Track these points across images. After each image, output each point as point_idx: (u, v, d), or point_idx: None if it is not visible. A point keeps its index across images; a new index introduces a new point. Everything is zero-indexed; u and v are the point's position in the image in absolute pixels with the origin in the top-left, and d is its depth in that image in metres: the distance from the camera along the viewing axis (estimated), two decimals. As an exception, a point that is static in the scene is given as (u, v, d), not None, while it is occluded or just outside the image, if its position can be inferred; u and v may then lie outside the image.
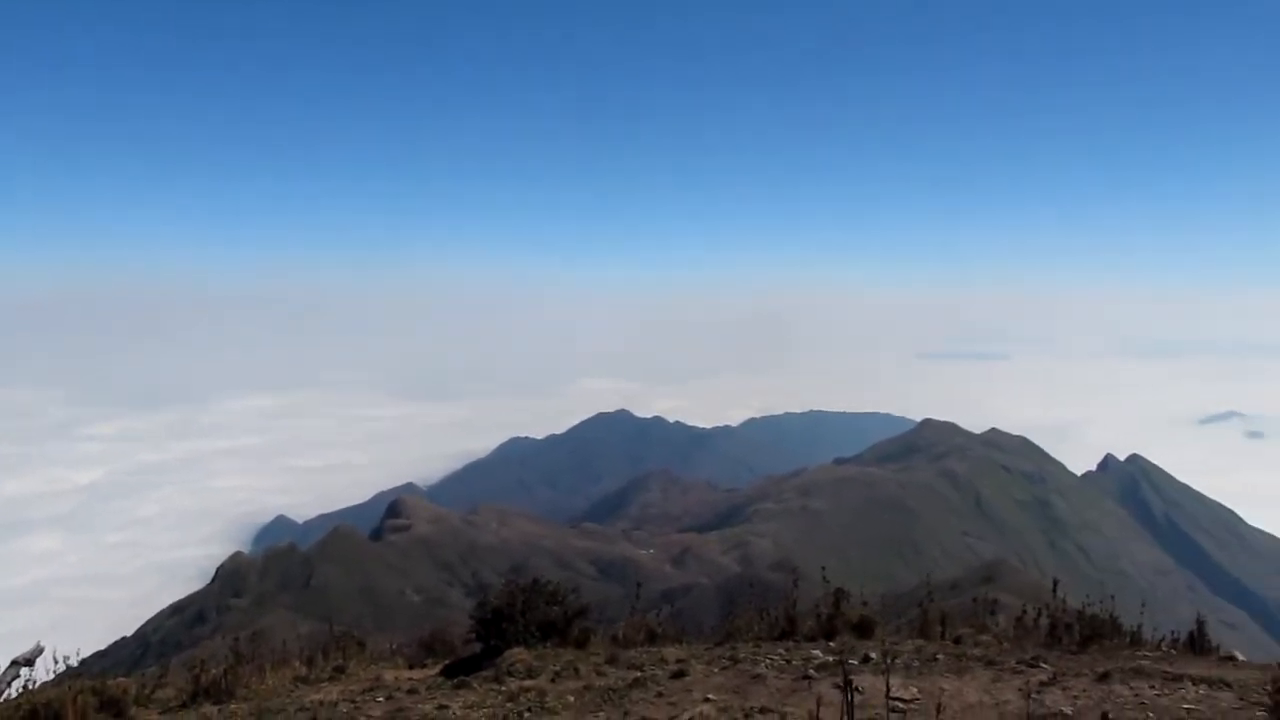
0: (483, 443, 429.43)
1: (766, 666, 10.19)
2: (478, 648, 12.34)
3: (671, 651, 11.35)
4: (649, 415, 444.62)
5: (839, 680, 8.07)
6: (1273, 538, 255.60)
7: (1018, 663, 10.09)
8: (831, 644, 11.28)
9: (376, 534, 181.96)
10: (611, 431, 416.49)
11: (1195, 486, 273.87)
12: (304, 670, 12.17)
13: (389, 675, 11.75)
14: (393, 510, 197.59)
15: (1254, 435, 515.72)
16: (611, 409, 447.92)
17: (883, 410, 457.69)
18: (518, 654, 11.15)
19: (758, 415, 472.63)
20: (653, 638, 12.46)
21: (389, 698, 10.24)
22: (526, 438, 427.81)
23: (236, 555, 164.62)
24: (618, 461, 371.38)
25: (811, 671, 9.80)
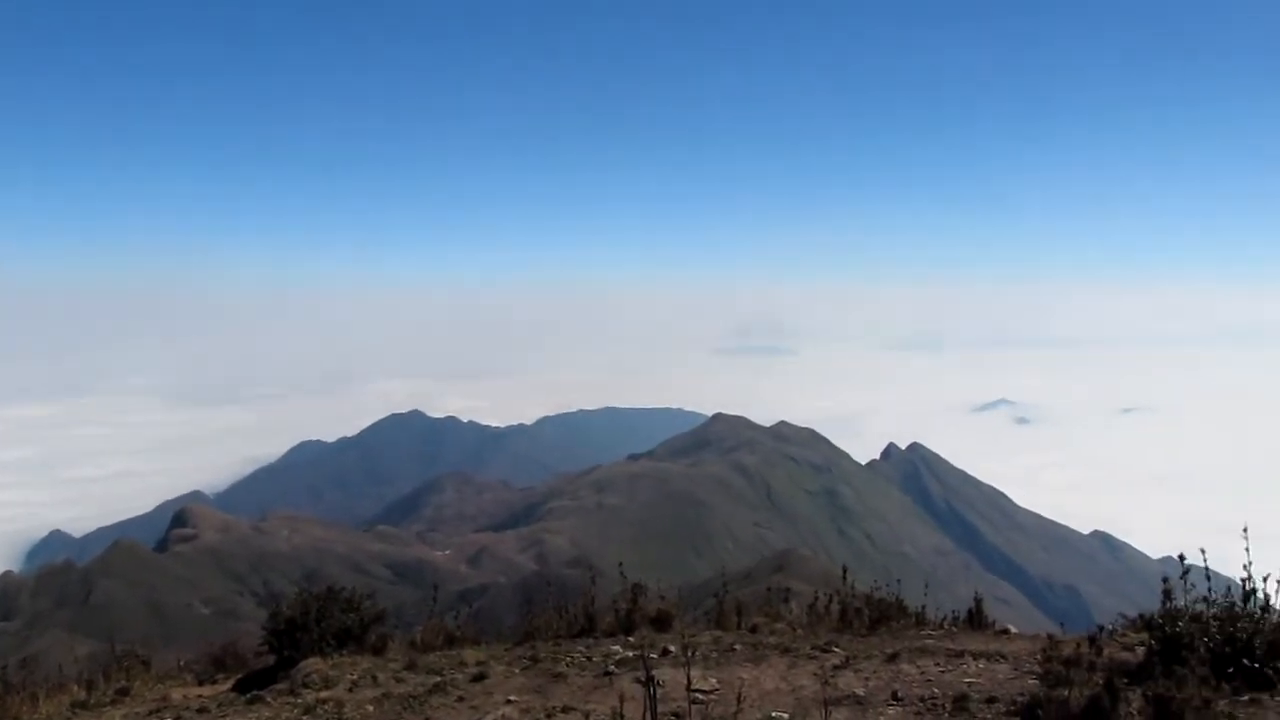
0: (272, 447, 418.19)
1: (567, 665, 10.18)
2: (271, 660, 11.91)
3: (471, 654, 11.21)
4: (442, 415, 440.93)
5: (640, 675, 8.13)
6: (1040, 517, 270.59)
7: (812, 648, 10.34)
8: (631, 639, 11.32)
9: (161, 545, 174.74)
10: (404, 432, 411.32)
11: (970, 471, 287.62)
12: (83, 695, 11.49)
13: (177, 694, 11.25)
14: (178, 520, 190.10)
15: (1022, 421, 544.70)
16: (404, 410, 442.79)
17: (676, 406, 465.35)
18: (313, 664, 10.83)
19: (552, 413, 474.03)
20: (451, 641, 12.27)
21: (177, 718, 9.83)
22: (317, 441, 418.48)
23: (6, 575, 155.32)
24: (411, 463, 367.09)
25: (612, 667, 9.83)
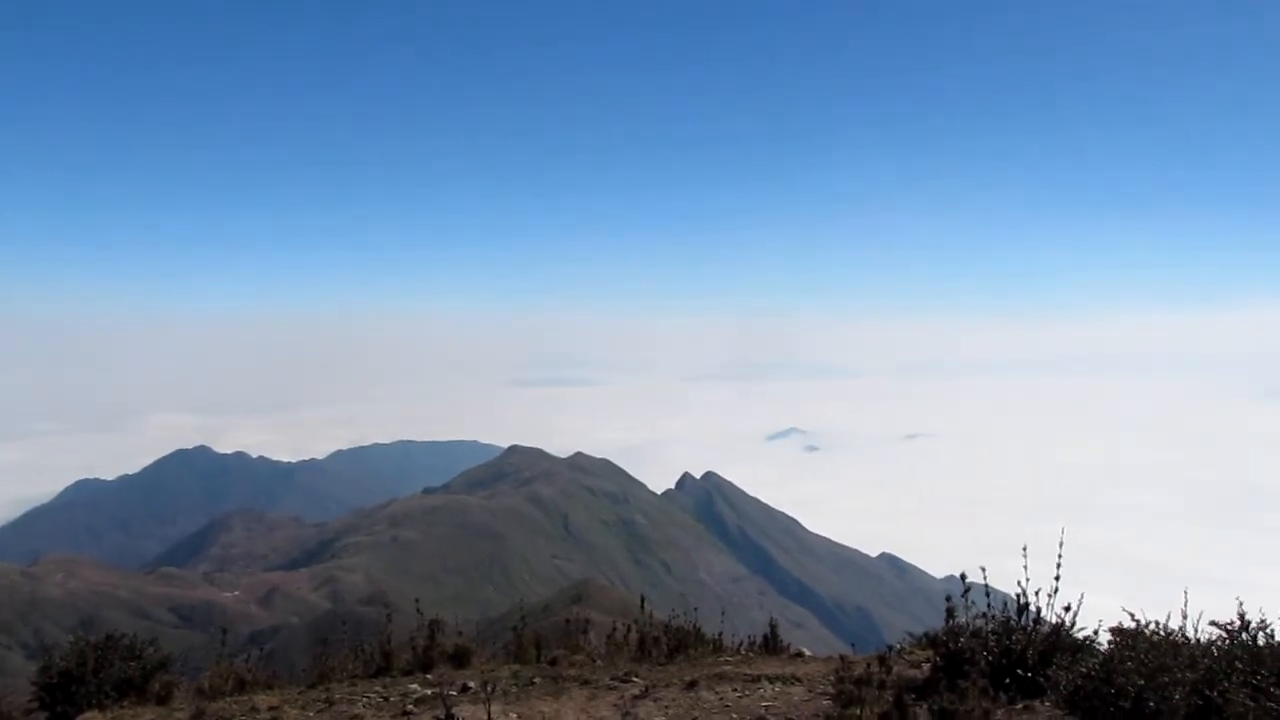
0: (46, 486, 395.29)
1: (364, 705, 9.92)
2: (44, 717, 11.25)
3: (263, 698, 10.80)
4: (230, 451, 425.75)
5: (439, 713, 8.01)
6: (830, 541, 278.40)
7: (611, 679, 10.36)
8: (429, 676, 11.12)
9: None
10: (190, 469, 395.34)
11: (763, 499, 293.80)
12: None
13: (-64, 757, 10.53)
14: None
15: (811, 449, 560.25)
16: (190, 445, 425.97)
17: (471, 438, 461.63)
18: (91, 718, 10.29)
19: (345, 447, 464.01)
20: (242, 685, 11.79)
21: (-65, 785, 9.19)
22: (96, 479, 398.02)
23: None
24: (198, 501, 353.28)
25: (410, 706, 9.63)
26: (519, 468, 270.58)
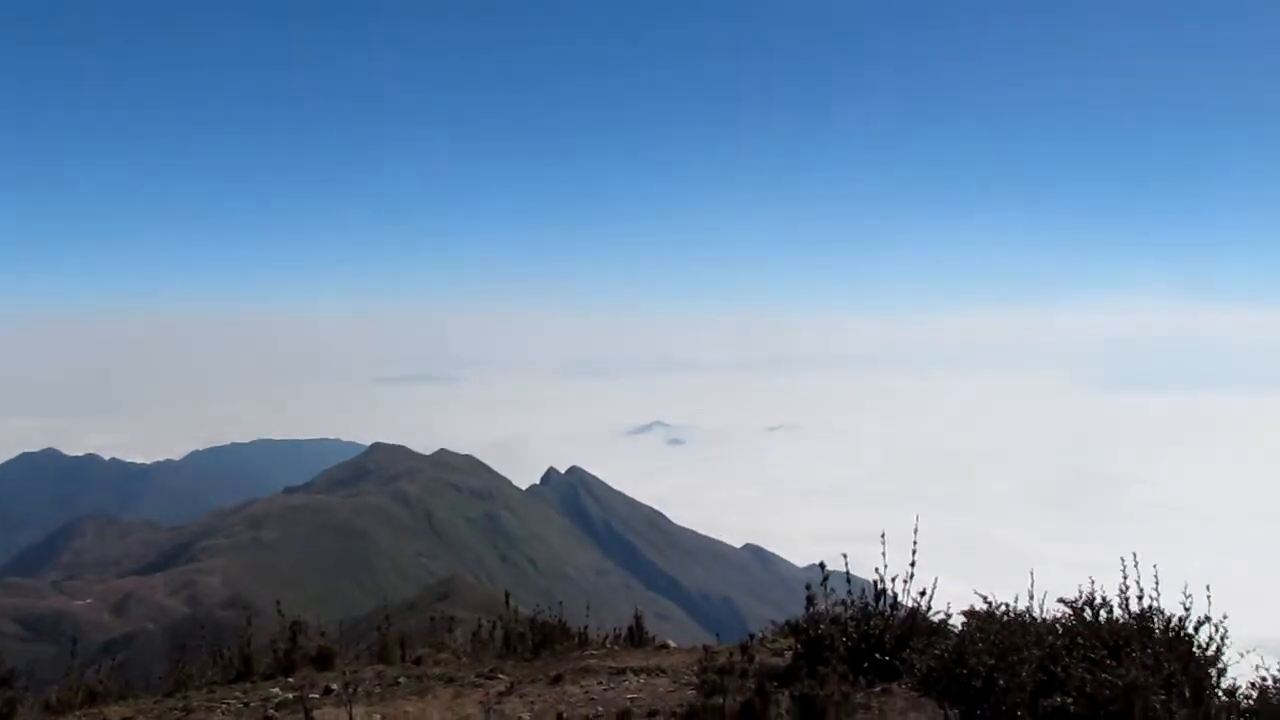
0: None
1: (223, 712, 9.69)
2: None
3: (116, 710, 10.45)
4: (81, 453, 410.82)
5: (299, 717, 7.88)
6: (695, 534, 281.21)
7: (477, 676, 10.32)
8: (291, 680, 10.90)
9: None
10: (37, 473, 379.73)
11: (627, 492, 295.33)
12: None
13: None
14: None
15: (675, 442, 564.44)
16: (36, 448, 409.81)
17: (333, 436, 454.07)
18: (-73, 738, 9.85)
19: (202, 447, 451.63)
20: (93, 697, 11.37)
21: None
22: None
23: None
24: (45, 506, 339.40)
25: (271, 712, 9.45)
26: (382, 466, 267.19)
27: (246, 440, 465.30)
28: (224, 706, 9.86)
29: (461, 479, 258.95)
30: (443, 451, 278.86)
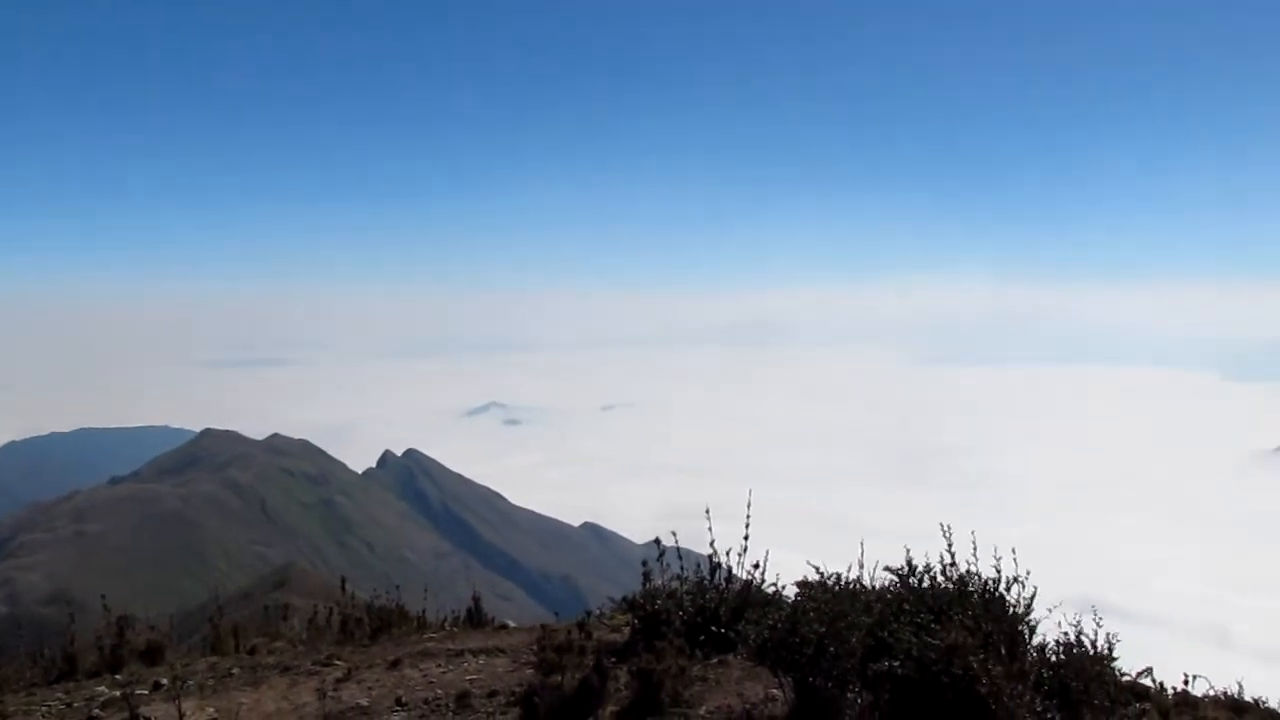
0: None
1: (43, 715, 9.25)
2: None
3: (-81, 721, 9.97)
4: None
5: (126, 715, 7.66)
6: (534, 514, 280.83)
7: (313, 664, 10.17)
8: (118, 676, 10.50)
9: None
10: None
11: (465, 474, 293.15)
12: None
13: None
14: None
15: (512, 422, 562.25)
16: None
17: (160, 423, 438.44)
18: None
19: (19, 437, 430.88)
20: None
21: None
22: None
23: None
24: None
25: (97, 711, 9.08)
26: (213, 452, 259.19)
27: (67, 430, 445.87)
28: (44, 709, 9.36)
29: (295, 464, 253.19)
30: (276, 436, 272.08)
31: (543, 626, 10.10)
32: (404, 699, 8.52)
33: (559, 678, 7.61)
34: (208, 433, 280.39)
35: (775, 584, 9.23)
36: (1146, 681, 9.98)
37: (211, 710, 8.69)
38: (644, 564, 9.60)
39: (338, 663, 10.15)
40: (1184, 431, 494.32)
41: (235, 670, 10.20)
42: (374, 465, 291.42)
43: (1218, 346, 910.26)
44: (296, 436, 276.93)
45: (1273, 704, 10.64)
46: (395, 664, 9.77)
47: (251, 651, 11.42)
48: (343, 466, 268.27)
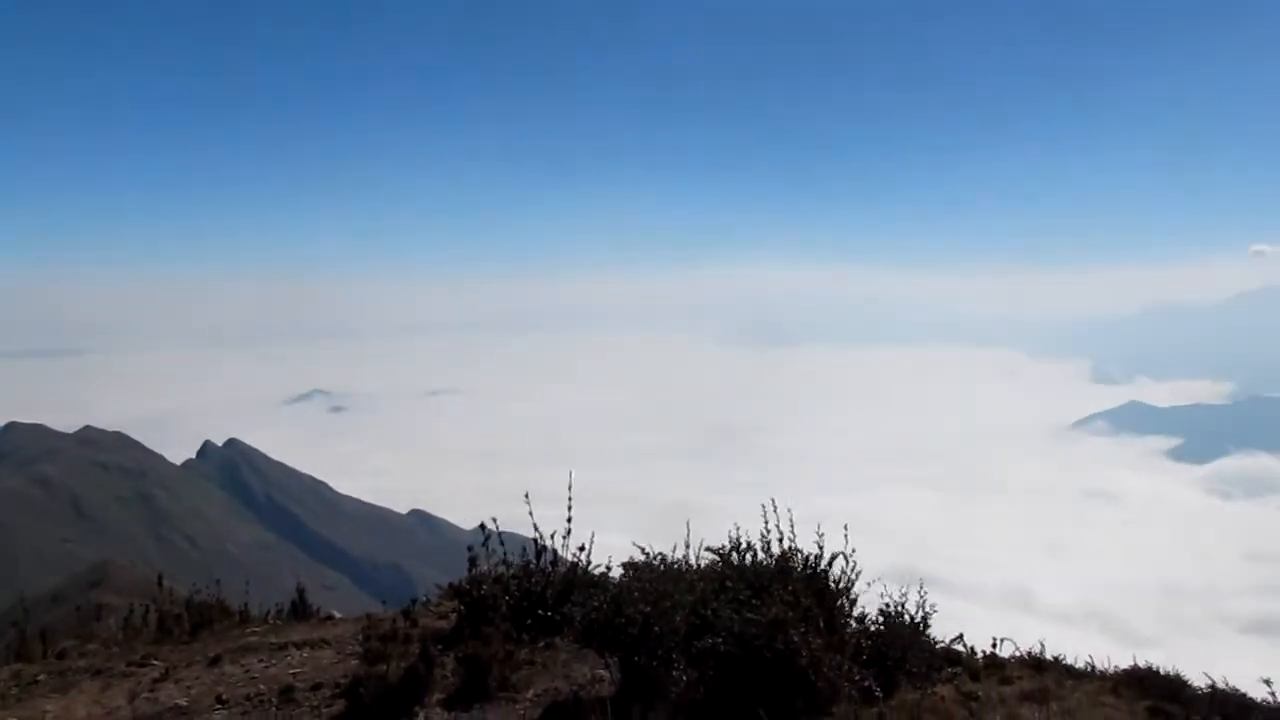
0: None
1: None
2: None
3: None
4: None
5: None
6: (360, 502, 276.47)
7: (128, 665, 9.81)
8: (-86, 688, 9.99)
9: None
10: None
11: (289, 463, 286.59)
12: None
13: None
14: None
15: (337, 410, 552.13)
16: None
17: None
18: None
19: None
20: None
21: None
22: None
23: None
24: None
25: (-116, 729, 8.64)
26: (19, 447, 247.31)
27: None
28: None
29: (110, 457, 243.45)
30: (88, 429, 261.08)
31: (368, 616, 9.99)
32: (225, 696, 8.32)
33: (384, 667, 7.55)
34: (12, 426, 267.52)
35: (602, 566, 9.31)
36: (959, 647, 10.39)
37: (16, 720, 8.33)
38: (470, 549, 9.58)
39: (155, 663, 9.81)
40: (992, 407, 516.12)
41: (42, 677, 9.74)
42: (194, 456, 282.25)
43: (1024, 327, 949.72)
44: (111, 429, 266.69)
45: (1069, 660, 11.22)
46: (215, 661, 9.51)
47: (61, 656, 10.92)
48: (161, 459, 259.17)
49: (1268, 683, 9.38)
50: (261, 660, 9.44)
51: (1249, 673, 10.17)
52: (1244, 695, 9.86)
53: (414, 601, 10.70)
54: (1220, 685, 10.13)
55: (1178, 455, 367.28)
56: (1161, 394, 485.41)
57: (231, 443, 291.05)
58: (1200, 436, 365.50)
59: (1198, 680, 10.37)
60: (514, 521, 9.48)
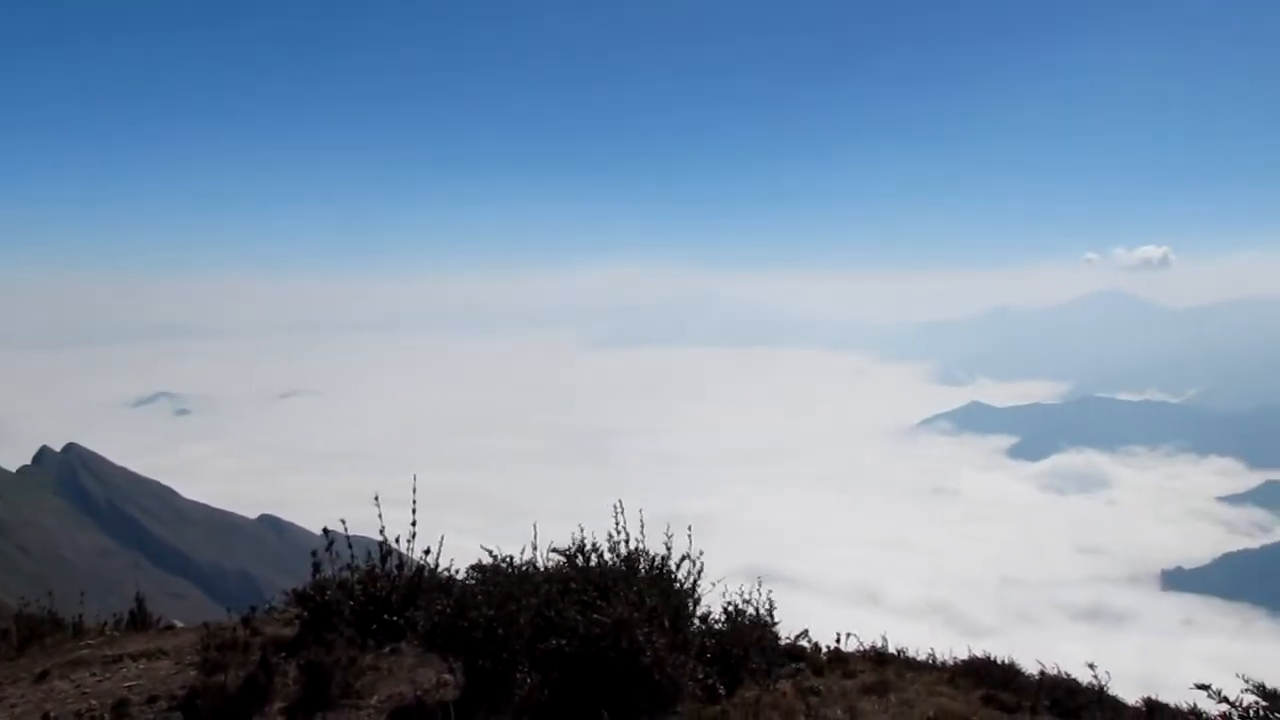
0: None
1: None
2: None
3: None
4: None
5: None
6: (208, 507, 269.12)
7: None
8: None
9: None
10: None
11: (133, 468, 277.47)
12: None
13: None
14: None
15: (183, 413, 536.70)
16: None
17: None
18: None
19: None
20: None
21: None
22: None
23: None
24: None
25: None
26: None
27: None
28: None
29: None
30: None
31: (206, 625, 9.73)
32: (53, 714, 7.99)
33: (223, 677, 7.39)
34: None
35: (449, 569, 9.26)
36: (804, 643, 10.62)
37: None
38: (314, 554, 9.42)
39: (-25, 681, 9.38)
40: (843, 408, 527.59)
41: None
42: (29, 463, 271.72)
43: (873, 330, 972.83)
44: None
45: (911, 653, 11.58)
46: (43, 676, 9.13)
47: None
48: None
49: (1092, 666, 10.01)
50: (94, 674, 9.09)
51: (1078, 658, 10.76)
52: (1072, 679, 10.41)
53: (254, 609, 10.46)
54: (1050, 671, 10.66)
55: (1016, 453, 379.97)
56: (1001, 394, 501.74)
57: (70, 447, 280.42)
58: (1036, 435, 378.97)
59: (1031, 667, 10.87)
60: (366, 525, 9.38)
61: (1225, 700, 6.46)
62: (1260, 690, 6.49)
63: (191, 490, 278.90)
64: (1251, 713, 6.42)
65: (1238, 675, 6.72)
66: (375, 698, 7.73)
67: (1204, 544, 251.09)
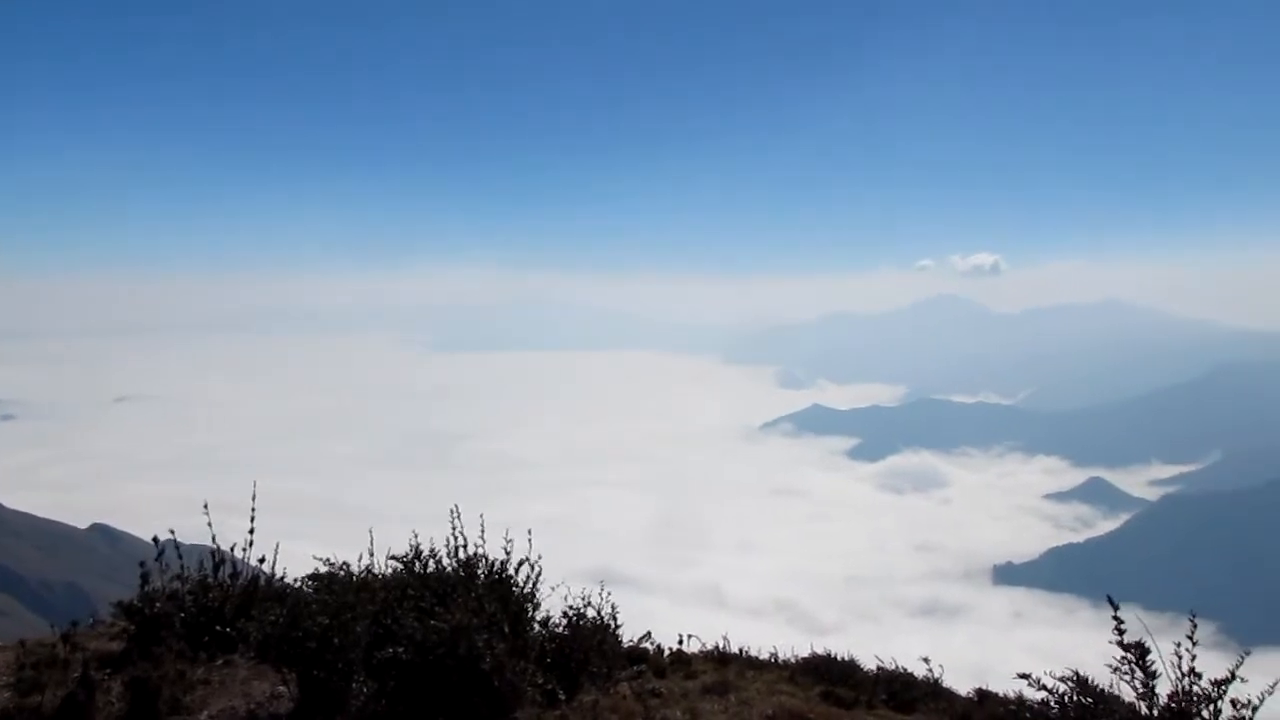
0: None
1: None
2: None
3: None
4: None
5: None
6: (33, 518, 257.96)
7: None
8: None
9: None
10: None
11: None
12: None
13: None
14: None
15: (7, 418, 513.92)
16: None
17: None
18: None
19: None
20: None
21: None
22: None
23: None
24: None
25: None
26: None
27: None
28: None
29: None
30: None
31: (22, 643, 9.29)
32: None
33: (39, 698, 7.07)
34: None
35: (286, 577, 9.06)
36: (646, 645, 10.70)
37: None
38: (141, 564, 9.10)
39: None
40: (688, 411, 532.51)
41: None
42: None
43: (717, 334, 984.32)
44: None
45: (754, 652, 11.78)
46: None
47: None
48: None
49: (926, 660, 10.41)
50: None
51: (915, 652, 11.13)
52: (908, 673, 10.78)
53: (75, 623, 10.05)
54: (887, 665, 11.01)
55: (855, 454, 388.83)
56: (841, 397, 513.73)
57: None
58: (875, 436, 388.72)
59: (869, 663, 11.19)
60: (203, 533, 9.10)
61: (1044, 688, 6.94)
62: (1074, 677, 6.97)
63: (16, 500, 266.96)
64: (1066, 699, 6.90)
65: (1057, 664, 7.17)
66: (206, 713, 7.51)
67: (1032, 540, 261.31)
